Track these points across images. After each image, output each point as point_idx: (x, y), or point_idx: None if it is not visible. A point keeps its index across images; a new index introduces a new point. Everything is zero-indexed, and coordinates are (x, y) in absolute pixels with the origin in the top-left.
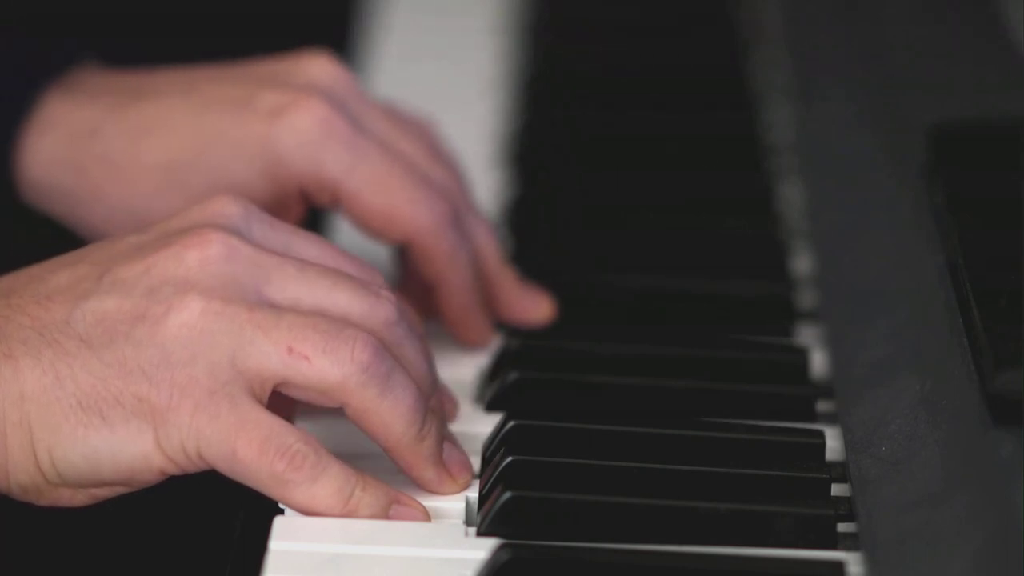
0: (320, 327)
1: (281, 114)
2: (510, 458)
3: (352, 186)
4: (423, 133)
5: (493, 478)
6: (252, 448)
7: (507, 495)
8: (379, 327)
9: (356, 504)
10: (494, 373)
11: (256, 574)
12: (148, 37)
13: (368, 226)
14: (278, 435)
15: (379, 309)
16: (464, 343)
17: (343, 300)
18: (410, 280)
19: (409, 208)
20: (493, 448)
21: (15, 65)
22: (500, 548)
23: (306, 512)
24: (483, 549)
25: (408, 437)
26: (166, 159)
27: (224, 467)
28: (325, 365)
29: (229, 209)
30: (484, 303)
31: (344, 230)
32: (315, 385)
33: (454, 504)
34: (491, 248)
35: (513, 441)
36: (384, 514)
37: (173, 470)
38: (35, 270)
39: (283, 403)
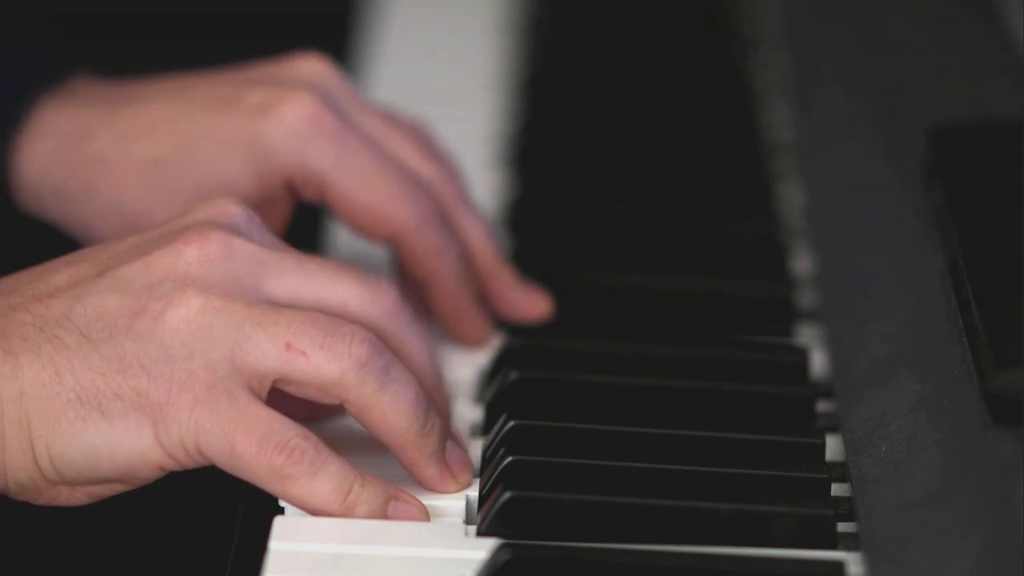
0: (318, 323)
1: (269, 109)
2: (510, 458)
3: (337, 180)
4: (415, 131)
5: (493, 478)
6: (251, 443)
7: (507, 495)
8: (381, 317)
9: (355, 500)
10: (494, 373)
11: (256, 574)
12: (146, 38)
13: (353, 221)
14: (277, 430)
15: (381, 299)
16: (460, 340)
17: (343, 290)
18: (405, 282)
19: (392, 205)
20: (493, 448)
21: (10, 74)
22: (500, 548)
23: (305, 507)
24: (483, 549)
25: (411, 433)
26: (155, 156)
27: (223, 462)
28: (322, 361)
29: (231, 209)
30: (479, 300)
31: (341, 235)
32: (313, 381)
33: (454, 503)
34: (486, 244)
35: (513, 441)
36: (383, 511)
37: (172, 465)
38: (37, 270)
39: (287, 402)
